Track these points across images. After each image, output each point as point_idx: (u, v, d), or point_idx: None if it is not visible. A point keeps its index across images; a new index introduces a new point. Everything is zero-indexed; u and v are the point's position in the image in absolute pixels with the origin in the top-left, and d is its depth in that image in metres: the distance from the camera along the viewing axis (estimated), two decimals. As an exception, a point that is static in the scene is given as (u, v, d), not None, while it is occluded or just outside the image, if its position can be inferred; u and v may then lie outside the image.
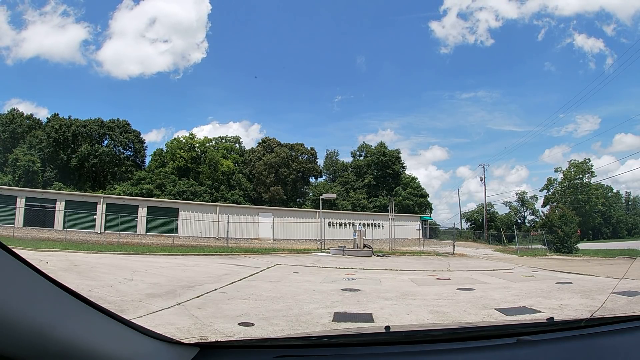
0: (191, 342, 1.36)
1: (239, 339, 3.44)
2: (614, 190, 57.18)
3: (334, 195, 33.74)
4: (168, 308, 5.73)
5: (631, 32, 53.23)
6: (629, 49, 75.12)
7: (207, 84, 70.41)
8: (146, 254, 15.70)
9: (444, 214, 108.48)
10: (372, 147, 51.64)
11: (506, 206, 56.67)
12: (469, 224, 54.00)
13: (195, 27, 63.59)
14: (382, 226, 31.35)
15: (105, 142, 45.31)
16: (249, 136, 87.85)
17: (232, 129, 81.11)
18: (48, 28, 53.12)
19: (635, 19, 55.30)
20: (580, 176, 49.36)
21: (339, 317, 5.54)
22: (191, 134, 47.25)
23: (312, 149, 52.30)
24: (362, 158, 52.09)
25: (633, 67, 55.25)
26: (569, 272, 12.26)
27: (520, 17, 60.87)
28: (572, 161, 50.41)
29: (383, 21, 70.77)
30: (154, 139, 78.09)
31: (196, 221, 27.65)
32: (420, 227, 35.55)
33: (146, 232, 26.70)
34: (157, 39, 61.17)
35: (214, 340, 1.83)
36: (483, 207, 47.99)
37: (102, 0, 62.36)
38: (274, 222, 25.70)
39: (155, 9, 62.88)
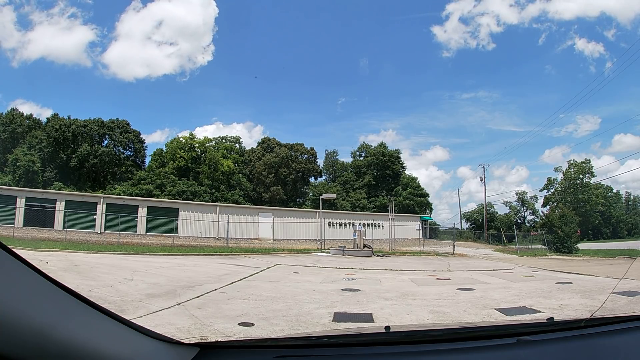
0: (191, 342, 1.36)
1: (239, 339, 3.44)
2: (614, 190, 57.25)
3: (334, 195, 33.74)
4: (168, 308, 5.72)
5: (631, 35, 53.32)
6: (630, 49, 75.15)
7: (212, 85, 70.66)
8: (146, 254, 15.70)
9: (444, 214, 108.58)
10: (372, 147, 51.72)
11: (506, 206, 56.80)
12: (469, 224, 54.11)
13: (203, 31, 63.67)
14: (382, 226, 31.34)
15: (105, 142, 45.33)
16: (252, 137, 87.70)
17: (235, 130, 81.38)
18: (54, 30, 53.25)
19: (635, 22, 55.35)
20: (580, 176, 49.40)
21: (339, 317, 5.54)
22: (191, 134, 47.29)
23: (312, 149, 52.35)
24: (362, 158, 52.13)
25: (633, 68, 55.14)
26: (569, 272, 12.26)
27: (520, 21, 61.03)
28: (572, 161, 50.54)
29: (384, 22, 70.98)
30: (158, 139, 78.09)
31: (196, 221, 27.64)
32: (420, 227, 35.56)
33: (146, 232, 26.69)
34: (163, 41, 61.15)
35: (214, 340, 1.83)
36: (483, 207, 48.00)
37: (110, 3, 62.36)
38: (274, 222, 25.70)
39: (163, 12, 62.88)
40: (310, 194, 47.88)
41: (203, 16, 62.68)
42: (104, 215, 26.55)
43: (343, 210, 39.63)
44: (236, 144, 52.63)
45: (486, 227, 44.98)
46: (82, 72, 59.11)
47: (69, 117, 43.90)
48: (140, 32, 61.91)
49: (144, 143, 48.78)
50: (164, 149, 46.69)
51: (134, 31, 64.97)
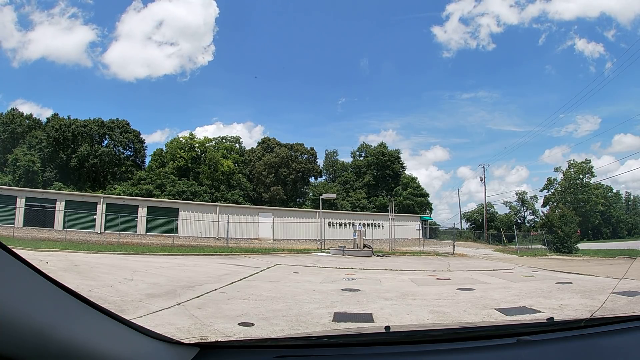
0: (191, 342, 1.36)
1: (239, 339, 3.44)
2: (614, 190, 57.27)
3: (334, 195, 33.73)
4: (168, 308, 5.72)
5: (631, 35, 53.42)
6: (630, 49, 75.20)
7: (213, 85, 70.67)
8: (146, 254, 15.70)
9: (444, 214, 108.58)
10: (372, 147, 51.74)
11: (506, 206, 56.78)
12: (469, 224, 54.09)
13: (203, 31, 63.75)
14: (382, 226, 31.35)
15: (105, 142, 45.33)
16: (252, 137, 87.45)
17: (235, 130, 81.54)
18: (55, 30, 53.31)
19: (635, 22, 55.43)
20: (580, 176, 49.41)
21: (339, 317, 5.54)
22: (191, 134, 47.29)
23: (312, 149, 52.37)
24: (362, 158, 52.14)
25: (633, 68, 55.22)
26: (569, 272, 12.26)
27: (521, 22, 61.10)
28: (572, 161, 50.56)
29: (385, 23, 71.10)
30: (158, 139, 78.28)
31: (196, 221, 27.64)
32: (420, 227, 35.56)
33: (146, 232, 26.70)
34: (164, 41, 61.17)
35: (214, 340, 1.83)
36: (483, 207, 47.99)
37: (110, 3, 62.34)
38: (274, 222, 25.70)
39: (163, 12, 62.84)
40: (310, 194, 47.88)
41: (204, 16, 62.80)
42: (104, 215, 26.55)
43: (343, 210, 39.63)
44: (236, 144, 52.64)
45: (486, 227, 44.98)
46: (83, 72, 59.31)
47: (68, 117, 43.97)
48: (140, 32, 62.09)
49: (144, 143, 48.89)
50: (164, 149, 46.75)
51: (134, 31, 65.16)
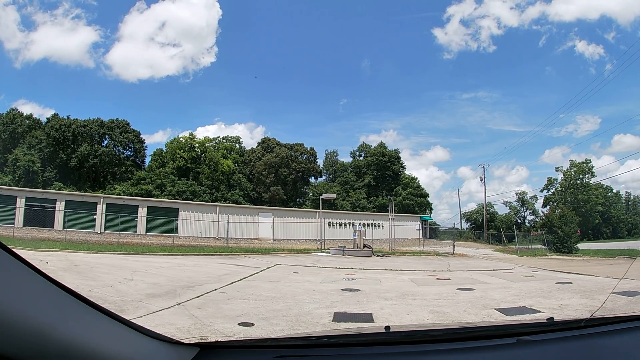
0: (191, 342, 1.36)
1: (239, 339, 3.44)
2: (614, 190, 57.25)
3: (334, 195, 33.73)
4: (168, 308, 5.72)
5: (631, 37, 53.57)
6: (630, 49, 75.26)
7: (215, 86, 70.84)
8: (146, 254, 15.70)
9: (444, 214, 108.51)
10: (372, 148, 51.78)
11: (506, 206, 56.75)
12: (469, 224, 54.07)
13: (206, 32, 63.76)
14: (382, 226, 31.35)
15: (105, 142, 45.33)
16: (254, 138, 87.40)
17: (237, 130, 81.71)
18: (58, 30, 53.42)
19: (635, 24, 55.53)
20: (580, 176, 49.42)
21: (339, 317, 5.54)
22: (191, 134, 47.30)
23: (312, 149, 52.37)
24: (361, 158, 52.17)
25: (633, 68, 55.30)
26: (569, 272, 12.26)
27: (521, 24, 61.21)
28: (573, 161, 50.59)
29: (385, 23, 71.21)
30: (160, 139, 78.26)
31: (196, 221, 27.64)
32: (420, 227, 35.56)
33: (146, 232, 26.69)
34: (167, 43, 61.20)
35: (214, 340, 1.83)
36: (483, 207, 47.98)
37: (113, 4, 62.38)
38: (274, 222, 25.71)
39: (166, 13, 63.14)
40: (310, 194, 47.89)
41: (207, 18, 62.78)
42: (104, 215, 26.55)
43: (343, 210, 39.63)
44: (236, 144, 52.63)
45: (486, 227, 44.96)
46: (85, 73, 59.35)
47: (68, 117, 43.93)
48: (143, 34, 62.25)
49: (144, 143, 48.90)
50: (164, 149, 46.76)
51: (137, 32, 65.35)
